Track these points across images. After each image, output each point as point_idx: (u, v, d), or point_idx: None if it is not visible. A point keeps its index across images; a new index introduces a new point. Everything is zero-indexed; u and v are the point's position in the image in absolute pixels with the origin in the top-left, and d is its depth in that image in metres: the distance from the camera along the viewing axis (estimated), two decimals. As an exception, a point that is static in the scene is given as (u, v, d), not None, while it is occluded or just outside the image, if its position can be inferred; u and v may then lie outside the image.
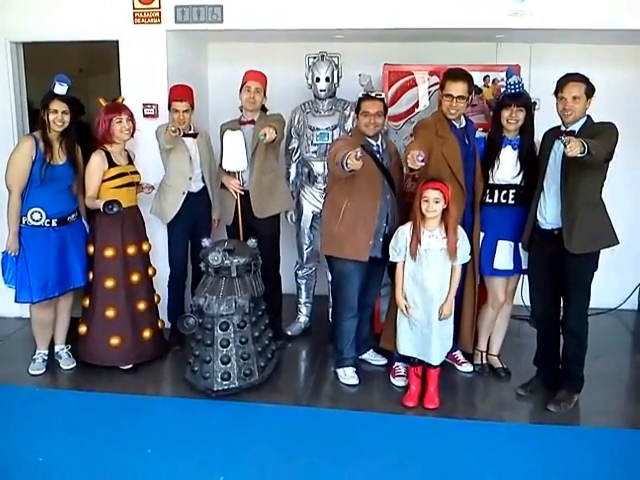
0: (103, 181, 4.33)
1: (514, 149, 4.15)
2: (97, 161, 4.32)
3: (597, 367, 4.29)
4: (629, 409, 4.15)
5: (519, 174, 4.13)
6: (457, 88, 4.06)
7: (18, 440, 3.66)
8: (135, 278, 4.47)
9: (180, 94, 4.65)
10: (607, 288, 4.51)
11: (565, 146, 3.36)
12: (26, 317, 4.61)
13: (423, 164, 3.65)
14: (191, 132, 4.74)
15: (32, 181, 4.15)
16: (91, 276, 4.42)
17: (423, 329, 3.94)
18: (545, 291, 4.05)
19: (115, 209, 4.15)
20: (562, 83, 3.79)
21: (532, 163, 4.10)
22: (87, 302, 4.47)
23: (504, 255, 4.23)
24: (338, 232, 4.16)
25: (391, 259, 4.05)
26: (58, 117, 4.14)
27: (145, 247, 4.58)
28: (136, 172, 4.53)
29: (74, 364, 4.53)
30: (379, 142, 4.23)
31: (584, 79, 3.76)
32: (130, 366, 4.46)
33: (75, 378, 4.44)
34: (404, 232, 3.96)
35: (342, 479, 3.37)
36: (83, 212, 4.49)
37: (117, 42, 4.96)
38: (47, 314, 4.43)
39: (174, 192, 4.71)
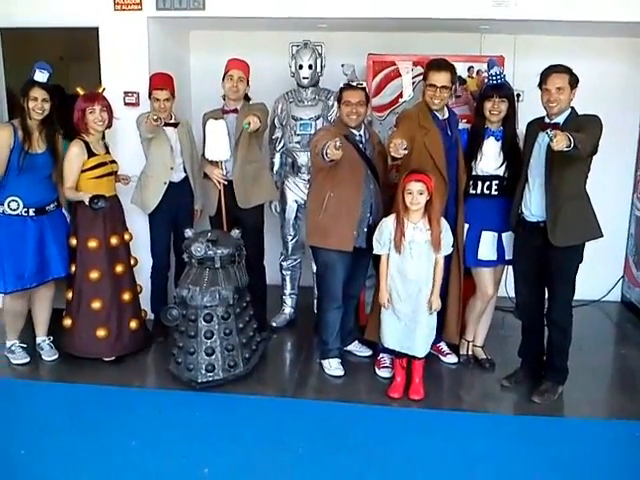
0: (83, 171, 4.25)
1: (497, 140, 4.15)
2: (76, 151, 4.24)
3: (581, 358, 4.30)
4: (612, 400, 4.20)
5: (502, 165, 4.13)
6: (440, 78, 4.04)
7: (-1, 432, 3.62)
8: (119, 269, 4.43)
9: (160, 82, 4.58)
10: (590, 280, 4.52)
11: (551, 140, 3.35)
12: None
13: (405, 152, 3.64)
14: (172, 121, 4.68)
15: (10, 170, 4.08)
16: (74, 268, 4.36)
17: (408, 322, 3.94)
18: (530, 283, 4.05)
19: (101, 204, 4.07)
20: (546, 75, 3.78)
21: (515, 154, 4.10)
22: (70, 295, 4.41)
23: (488, 246, 4.23)
24: (322, 222, 4.14)
25: (375, 252, 4.03)
26: (38, 105, 4.07)
27: (127, 237, 4.54)
28: (114, 161, 4.46)
29: (56, 355, 4.48)
30: (362, 132, 4.21)
31: (567, 70, 3.75)
32: (113, 358, 4.42)
33: (58, 370, 4.38)
34: (388, 225, 3.94)
35: (327, 470, 3.35)
36: (64, 202, 4.42)
37: (97, 29, 4.88)
38: (21, 305, 4.38)
39: (155, 182, 4.65)
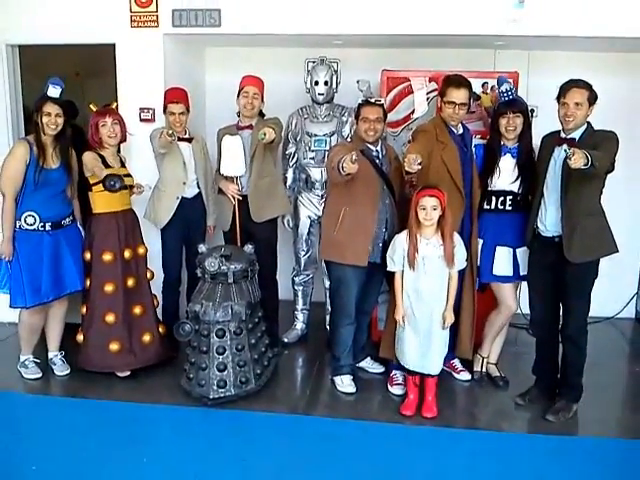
0: (94, 184, 4.26)
1: (513, 157, 4.13)
2: (92, 155, 4.23)
3: (595, 376, 4.25)
4: (628, 419, 4.13)
5: (516, 181, 4.11)
6: (460, 95, 4.05)
7: (11, 447, 3.61)
8: (131, 282, 4.42)
9: (175, 96, 4.62)
10: (604, 296, 4.48)
11: (569, 158, 3.33)
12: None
13: (419, 167, 3.63)
14: (186, 137, 4.71)
15: (26, 185, 4.11)
16: (88, 282, 4.37)
17: (423, 338, 3.91)
18: (545, 298, 4.02)
19: (115, 183, 4.03)
20: (565, 89, 3.75)
21: (530, 170, 4.08)
22: (85, 309, 4.42)
23: (503, 261, 4.21)
24: (337, 237, 4.13)
25: (388, 269, 4.02)
26: (51, 120, 4.10)
27: (141, 250, 4.53)
28: (129, 175, 4.45)
29: (68, 370, 4.49)
30: (379, 147, 4.21)
31: (587, 86, 3.73)
32: (127, 373, 4.41)
33: (69, 385, 4.39)
34: (400, 241, 3.92)
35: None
36: (78, 217, 4.45)
37: (114, 45, 4.94)
38: (38, 319, 4.39)
39: (168, 197, 4.67)
